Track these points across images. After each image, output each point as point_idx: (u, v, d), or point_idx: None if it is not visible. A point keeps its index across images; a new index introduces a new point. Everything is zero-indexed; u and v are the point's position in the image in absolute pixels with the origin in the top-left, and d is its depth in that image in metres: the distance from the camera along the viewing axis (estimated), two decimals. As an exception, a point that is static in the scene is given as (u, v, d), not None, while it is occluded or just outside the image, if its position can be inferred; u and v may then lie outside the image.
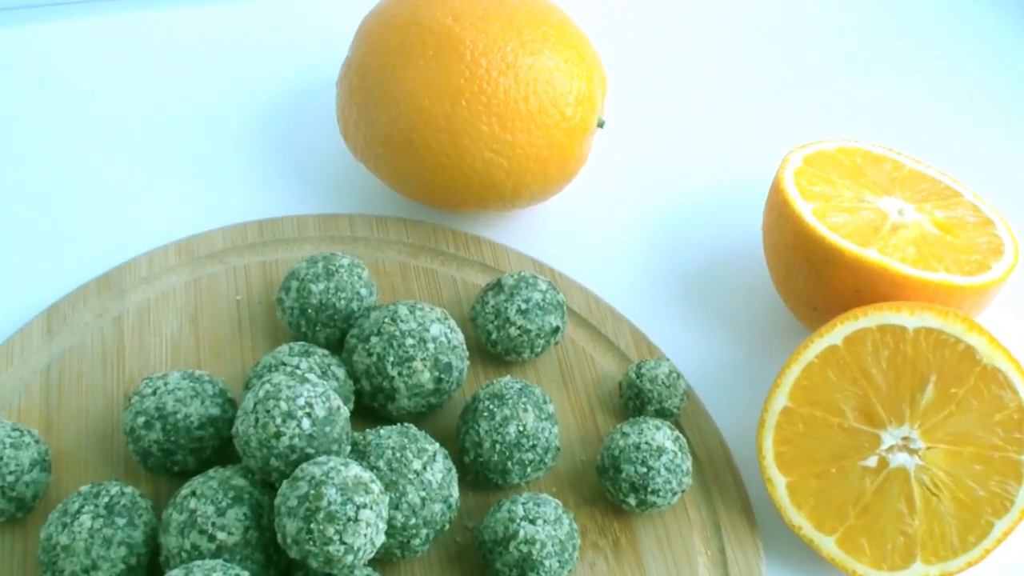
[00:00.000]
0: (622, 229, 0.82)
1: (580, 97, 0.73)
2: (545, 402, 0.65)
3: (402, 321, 0.65)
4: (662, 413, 0.68)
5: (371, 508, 0.54)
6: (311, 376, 0.59)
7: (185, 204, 0.80)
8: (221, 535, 0.56)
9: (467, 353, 0.67)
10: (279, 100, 0.88)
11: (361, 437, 0.61)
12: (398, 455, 0.59)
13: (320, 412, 0.57)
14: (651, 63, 0.95)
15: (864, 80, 0.95)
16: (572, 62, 0.73)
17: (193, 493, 0.57)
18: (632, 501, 0.63)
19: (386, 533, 0.58)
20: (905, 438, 0.62)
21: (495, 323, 0.69)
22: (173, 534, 0.57)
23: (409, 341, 0.64)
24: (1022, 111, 0.94)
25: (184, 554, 0.56)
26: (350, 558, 0.54)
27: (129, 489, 0.59)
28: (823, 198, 0.70)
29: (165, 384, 0.63)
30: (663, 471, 0.63)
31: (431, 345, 0.65)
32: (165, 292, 0.73)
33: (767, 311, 0.77)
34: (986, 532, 0.62)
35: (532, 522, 0.60)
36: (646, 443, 0.63)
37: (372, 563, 0.60)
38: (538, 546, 0.59)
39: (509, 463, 0.63)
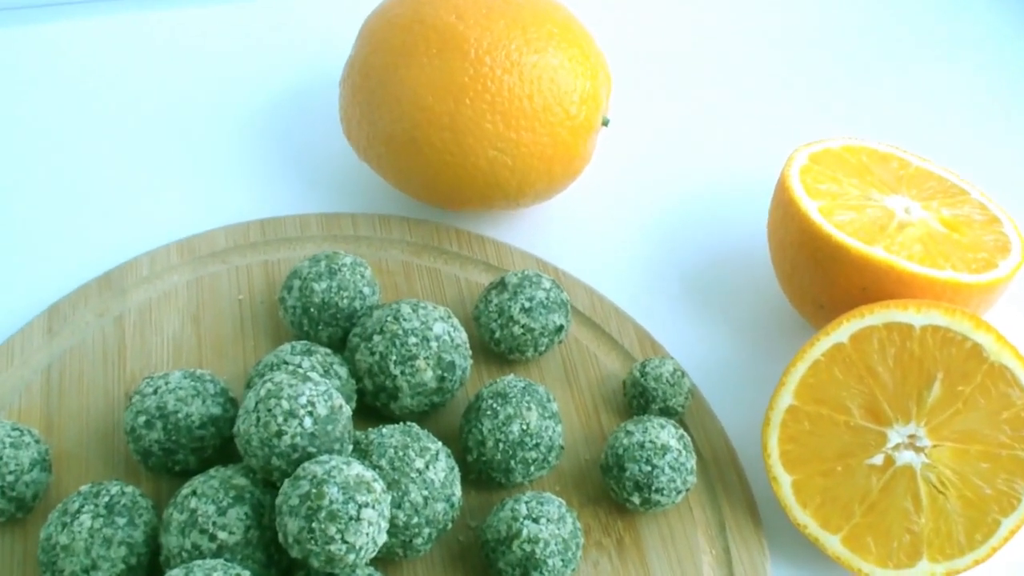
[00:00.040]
0: (626, 228, 0.81)
1: (584, 95, 0.72)
2: (549, 400, 0.65)
3: (405, 320, 0.65)
4: (666, 412, 0.67)
5: (373, 507, 0.54)
6: (313, 375, 0.59)
7: (187, 203, 0.79)
8: (222, 535, 0.56)
9: (470, 352, 0.67)
10: (281, 99, 0.88)
11: (363, 436, 0.60)
12: (400, 454, 0.59)
13: (322, 411, 0.57)
14: (655, 61, 0.94)
15: (870, 78, 0.95)
16: (576, 60, 0.72)
17: (194, 492, 0.57)
18: (636, 500, 0.63)
19: (388, 532, 0.58)
20: (911, 436, 0.62)
21: (499, 322, 0.69)
22: (174, 534, 0.56)
23: (412, 340, 0.64)
24: (1028, 109, 0.93)
25: (185, 554, 0.56)
26: (352, 557, 0.54)
27: (129, 488, 0.59)
28: (829, 196, 0.70)
29: (166, 383, 0.62)
30: (667, 470, 0.62)
31: (434, 344, 0.64)
32: (167, 291, 0.73)
33: (772, 309, 0.76)
34: (993, 530, 0.61)
35: (535, 521, 0.59)
36: (650, 441, 0.63)
37: (374, 562, 0.59)
38: (541, 545, 0.59)
39: (512, 462, 0.63)
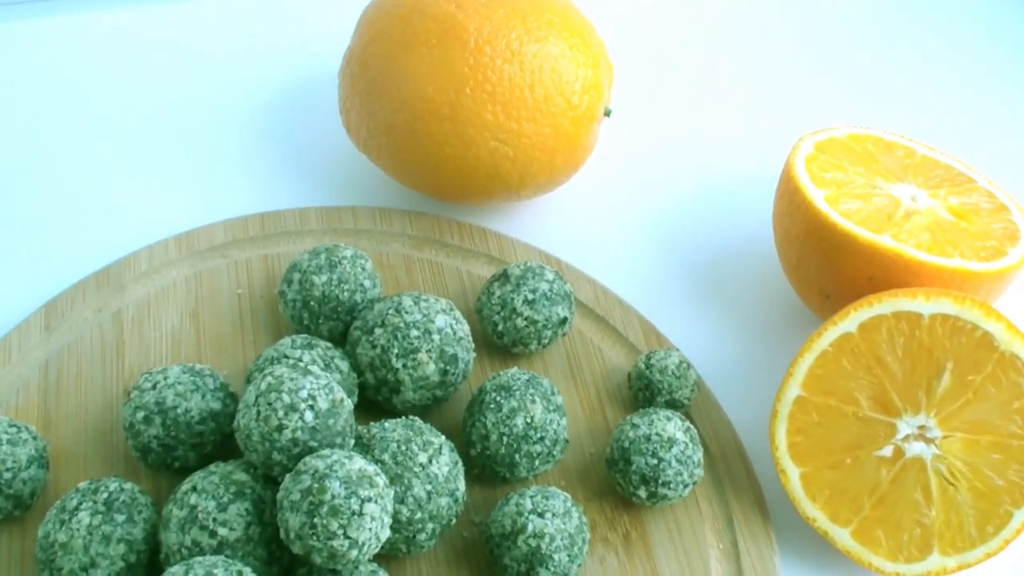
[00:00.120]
0: (630, 219, 0.81)
1: (586, 85, 0.72)
2: (553, 393, 0.64)
3: (406, 312, 0.64)
4: (672, 404, 0.67)
5: (376, 502, 0.53)
6: (314, 368, 0.58)
7: (185, 198, 0.79)
8: (222, 531, 0.55)
9: (473, 345, 0.66)
10: (280, 92, 0.87)
11: (365, 430, 0.60)
12: (403, 448, 0.58)
13: (323, 404, 0.56)
14: (657, 50, 0.94)
15: (875, 67, 0.94)
16: (578, 49, 0.72)
17: (194, 488, 0.56)
18: (643, 494, 0.62)
19: (391, 528, 0.57)
20: (921, 427, 0.61)
21: (501, 314, 0.68)
22: (173, 530, 0.56)
23: (414, 333, 0.63)
24: (1034, 98, 0.93)
25: (185, 551, 0.55)
26: (354, 553, 0.53)
27: (128, 485, 0.59)
28: (835, 185, 0.69)
29: (165, 378, 0.62)
30: (674, 463, 0.62)
31: (436, 336, 0.64)
32: (165, 287, 0.72)
33: (778, 300, 0.76)
34: (1005, 522, 0.60)
35: (541, 515, 0.59)
36: (656, 434, 0.62)
37: (377, 559, 0.59)
38: (547, 540, 0.58)
39: (517, 456, 0.62)
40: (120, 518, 0.57)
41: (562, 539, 0.58)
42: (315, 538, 0.52)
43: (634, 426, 0.63)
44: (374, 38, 0.72)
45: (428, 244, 0.76)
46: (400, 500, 0.57)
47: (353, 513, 0.52)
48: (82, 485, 0.58)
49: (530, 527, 0.58)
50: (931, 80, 0.93)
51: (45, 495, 0.62)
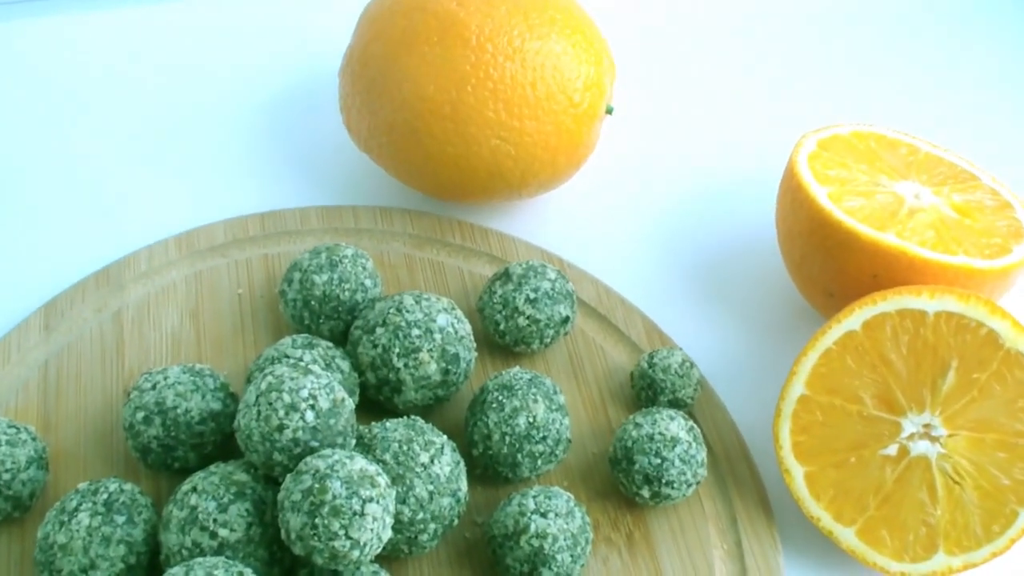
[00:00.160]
0: (632, 217, 0.80)
1: (588, 82, 0.71)
2: (556, 393, 0.64)
3: (408, 311, 0.64)
4: (675, 403, 0.66)
5: (377, 502, 0.53)
6: (315, 368, 0.58)
7: (185, 197, 0.79)
8: (223, 532, 0.55)
9: (474, 344, 0.66)
10: (281, 91, 0.87)
11: (367, 430, 0.60)
12: (405, 448, 0.58)
13: (324, 404, 0.56)
14: (659, 48, 0.94)
15: (878, 64, 0.94)
16: (580, 46, 0.71)
17: (194, 489, 0.56)
18: (646, 493, 0.62)
19: (393, 528, 0.57)
20: (926, 425, 0.61)
21: (503, 313, 0.68)
22: (173, 531, 0.55)
23: (415, 332, 0.63)
24: (1038, 95, 0.92)
25: (185, 552, 0.55)
26: (356, 554, 0.53)
27: (128, 486, 0.58)
28: (838, 182, 0.69)
29: (165, 378, 0.61)
30: (677, 462, 0.61)
31: (438, 336, 0.63)
32: (165, 286, 0.72)
33: (781, 299, 0.76)
34: (1011, 521, 0.60)
35: (543, 515, 0.58)
36: (660, 433, 0.62)
37: (378, 560, 0.58)
38: (550, 540, 0.58)
39: (519, 455, 0.62)
40: (120, 519, 0.56)
41: (565, 539, 0.58)
42: (316, 539, 0.52)
43: (637, 425, 0.63)
44: (375, 36, 0.72)
45: (429, 243, 0.76)
46: (402, 500, 0.57)
47: (355, 513, 0.52)
48: (82, 486, 0.58)
49: (533, 527, 0.58)
50: (934, 78, 0.93)
51: (44, 496, 0.62)
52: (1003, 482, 0.60)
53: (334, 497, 0.52)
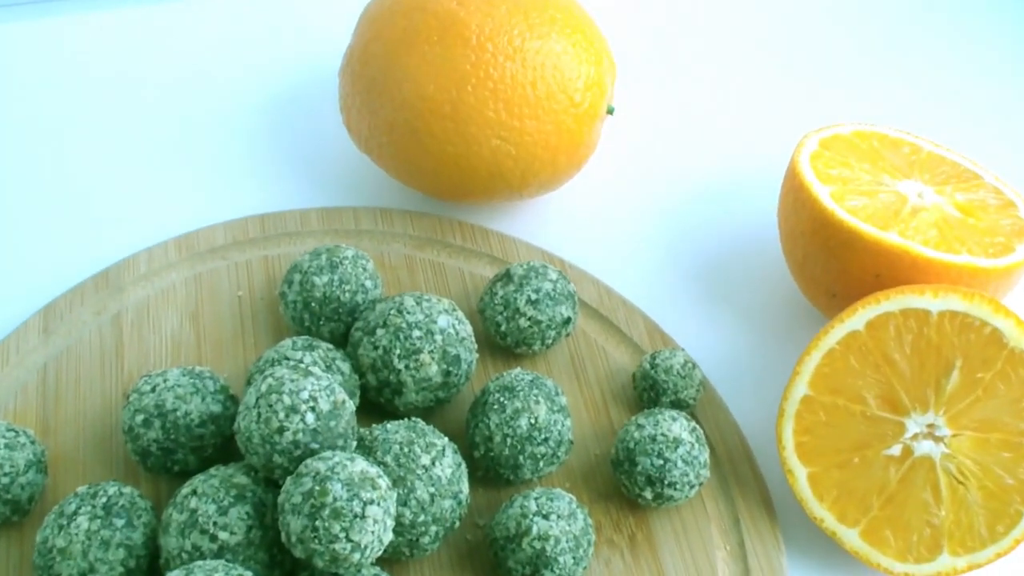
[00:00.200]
0: (633, 218, 0.80)
1: (589, 82, 0.71)
2: (557, 394, 0.63)
3: (408, 313, 0.63)
4: (678, 404, 0.66)
5: (378, 504, 0.53)
6: (315, 369, 0.57)
7: (185, 199, 0.78)
8: (223, 535, 0.55)
9: (476, 345, 0.66)
10: (281, 92, 0.87)
11: (367, 432, 0.59)
12: (406, 450, 0.58)
13: (324, 406, 0.56)
14: (660, 48, 0.93)
15: (879, 64, 0.94)
16: (580, 46, 0.71)
17: (194, 492, 0.56)
18: (648, 495, 0.62)
19: (394, 531, 0.56)
20: (930, 425, 0.60)
21: (504, 314, 0.67)
22: (173, 535, 0.55)
23: (416, 333, 0.63)
24: (1040, 94, 0.92)
25: (185, 555, 0.55)
26: (357, 556, 0.52)
27: (127, 489, 0.58)
28: (841, 181, 0.68)
29: (164, 381, 0.61)
30: (680, 463, 0.61)
31: (439, 337, 0.63)
32: (165, 289, 0.72)
33: (784, 299, 0.75)
34: (1016, 522, 0.60)
35: (545, 517, 0.58)
36: (662, 434, 0.61)
37: (380, 563, 0.58)
38: (552, 542, 0.57)
39: (521, 457, 0.62)
40: (119, 523, 0.56)
41: (567, 541, 0.58)
42: (317, 541, 0.52)
43: (639, 426, 0.62)
44: (375, 36, 0.71)
45: (430, 244, 0.75)
46: (403, 503, 0.57)
47: (355, 516, 0.52)
48: (81, 489, 0.58)
49: (535, 529, 0.58)
50: (936, 77, 0.93)
51: (43, 500, 0.62)
52: (1007, 482, 0.60)
53: (335, 499, 0.52)
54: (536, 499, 0.59)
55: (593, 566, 0.61)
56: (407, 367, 0.63)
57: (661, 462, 0.61)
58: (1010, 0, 1.00)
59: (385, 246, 0.75)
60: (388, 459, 0.57)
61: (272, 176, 0.80)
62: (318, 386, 0.56)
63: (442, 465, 0.58)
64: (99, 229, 0.76)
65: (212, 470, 0.57)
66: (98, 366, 0.68)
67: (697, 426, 0.64)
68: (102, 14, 0.92)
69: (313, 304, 0.66)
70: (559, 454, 0.63)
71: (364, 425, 0.61)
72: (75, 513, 0.56)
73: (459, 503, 0.59)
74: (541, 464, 0.63)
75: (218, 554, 0.54)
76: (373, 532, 0.52)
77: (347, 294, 0.66)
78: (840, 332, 0.62)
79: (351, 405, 0.57)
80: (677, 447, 0.61)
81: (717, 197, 0.82)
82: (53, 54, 0.88)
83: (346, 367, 0.63)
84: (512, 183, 0.72)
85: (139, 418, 0.60)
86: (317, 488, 0.52)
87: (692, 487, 0.62)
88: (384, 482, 0.54)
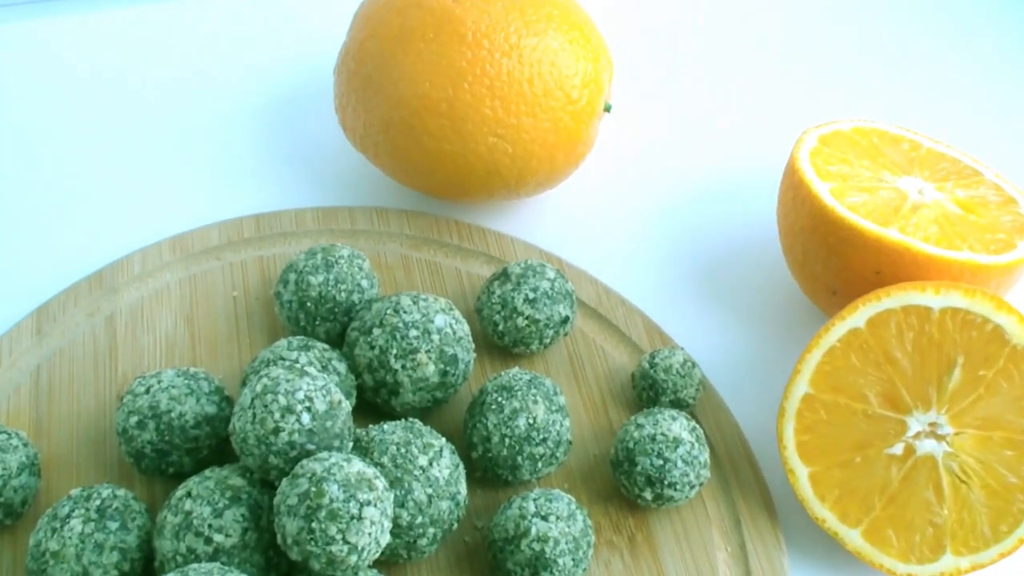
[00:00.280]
0: (631, 216, 0.80)
1: (586, 79, 0.71)
2: (556, 394, 0.63)
3: (405, 312, 0.63)
4: (677, 404, 0.66)
5: (375, 506, 0.52)
6: (310, 369, 0.57)
7: (179, 199, 0.78)
8: (218, 537, 0.54)
9: (473, 345, 0.65)
10: (275, 92, 0.86)
11: (364, 433, 0.59)
12: (403, 451, 0.57)
13: (320, 406, 0.55)
14: (657, 45, 0.93)
15: (878, 60, 0.93)
16: (577, 43, 0.71)
17: (188, 494, 0.55)
18: (648, 495, 0.61)
19: (391, 533, 0.56)
20: (932, 424, 0.60)
21: (502, 313, 0.67)
22: (168, 537, 0.55)
23: (413, 333, 0.62)
24: (1040, 91, 0.92)
25: (179, 558, 0.54)
26: (354, 558, 0.52)
27: (121, 492, 0.58)
28: (840, 178, 0.68)
29: (159, 382, 0.61)
30: (680, 463, 0.61)
31: (436, 336, 0.63)
32: (159, 290, 0.71)
33: (784, 297, 0.75)
34: (1019, 521, 0.59)
35: (544, 519, 0.57)
36: (662, 434, 0.61)
37: (377, 565, 0.58)
38: (551, 543, 0.57)
39: (519, 458, 0.61)
40: (113, 525, 0.56)
41: (566, 543, 0.57)
42: (313, 543, 0.51)
43: (639, 426, 0.62)
44: (370, 33, 0.71)
45: (426, 244, 0.75)
46: (400, 504, 0.56)
47: (352, 517, 0.51)
48: (74, 492, 0.57)
49: (533, 531, 0.57)
50: (935, 74, 0.93)
51: (37, 503, 0.61)
52: (1011, 480, 0.59)
53: (331, 501, 0.51)
54: (535, 500, 0.59)
55: (593, 568, 0.61)
56: (404, 367, 0.62)
57: (661, 462, 0.60)
58: (1009, -3, 1.00)
59: (381, 246, 0.75)
60: (385, 460, 0.57)
61: (267, 176, 0.80)
62: (314, 386, 0.55)
63: (440, 466, 0.58)
64: (93, 230, 0.75)
65: (207, 472, 0.57)
66: (92, 367, 0.67)
67: (697, 426, 0.63)
68: (95, 14, 0.91)
69: (309, 304, 0.65)
70: (558, 454, 0.63)
71: (361, 426, 0.60)
72: (68, 516, 0.56)
73: (457, 504, 0.58)
74: (540, 465, 0.62)
75: (213, 557, 0.54)
76: (370, 534, 0.52)
77: (343, 294, 0.66)
78: (841, 329, 0.61)
79: (347, 405, 0.57)
80: (677, 447, 0.61)
81: (716, 195, 0.81)
82: (46, 54, 0.88)
83: (342, 367, 0.63)
84: (509, 181, 0.71)
85: (133, 420, 0.60)
86: (313, 489, 0.51)
87: (692, 487, 0.61)
88: (381, 483, 0.53)
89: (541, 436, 0.61)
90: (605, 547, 0.62)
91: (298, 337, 0.63)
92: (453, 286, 0.73)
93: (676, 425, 0.62)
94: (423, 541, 0.57)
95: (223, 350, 0.69)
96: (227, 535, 0.54)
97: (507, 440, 0.61)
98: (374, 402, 0.64)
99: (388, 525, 0.53)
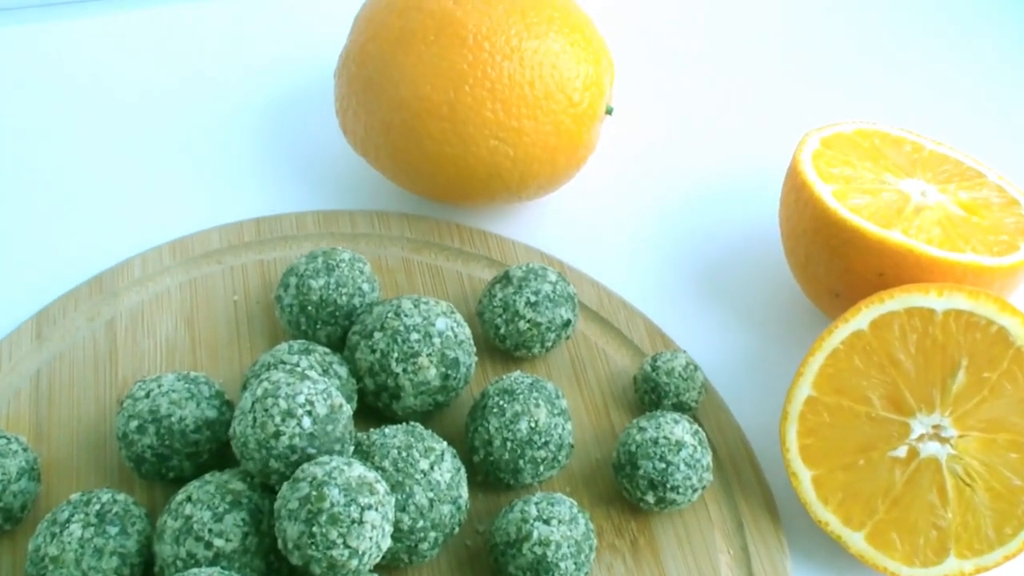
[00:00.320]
0: (633, 219, 0.79)
1: (588, 81, 0.70)
2: (558, 397, 0.63)
3: (406, 315, 0.63)
4: (679, 407, 0.65)
5: (376, 510, 0.52)
6: (311, 373, 0.57)
7: (180, 203, 0.78)
8: (218, 542, 0.54)
9: (474, 348, 0.65)
10: (276, 95, 0.86)
11: (365, 437, 0.59)
12: (404, 454, 0.57)
13: (321, 410, 0.55)
14: (659, 47, 0.93)
15: (880, 62, 0.93)
16: (578, 45, 0.70)
17: (189, 498, 0.55)
18: (650, 499, 0.61)
19: (392, 537, 0.56)
20: (936, 426, 0.60)
21: (503, 317, 0.67)
22: (168, 542, 0.54)
23: (414, 336, 0.62)
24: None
25: (180, 563, 0.54)
26: (355, 563, 0.52)
27: (121, 496, 0.57)
28: (843, 180, 0.68)
29: (159, 386, 0.60)
30: (683, 466, 0.60)
31: (437, 340, 0.62)
32: (159, 294, 0.71)
33: (786, 300, 0.75)
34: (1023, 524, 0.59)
35: (546, 522, 0.57)
36: (664, 437, 0.61)
37: (378, 570, 0.58)
38: (553, 547, 0.57)
39: (521, 461, 0.61)
40: (113, 530, 0.55)
41: (568, 546, 0.57)
42: (314, 547, 0.51)
43: (641, 429, 0.62)
44: (371, 36, 0.71)
45: (427, 247, 0.75)
46: (401, 508, 0.56)
47: (353, 521, 0.51)
48: (74, 497, 0.57)
49: (535, 534, 0.57)
50: (937, 76, 0.92)
51: (36, 508, 0.61)
52: (1015, 483, 0.59)
53: (332, 505, 0.51)
54: (537, 504, 0.58)
55: (595, 571, 0.61)
56: (405, 371, 0.62)
57: (663, 465, 0.60)
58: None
59: (382, 249, 0.74)
60: (386, 464, 0.57)
61: (268, 179, 0.80)
62: (315, 390, 0.55)
63: (441, 470, 0.57)
64: (93, 234, 0.75)
65: (207, 476, 0.57)
66: (92, 372, 0.67)
67: (699, 429, 0.63)
68: (95, 18, 0.91)
69: (309, 308, 0.65)
70: (560, 458, 0.62)
71: (362, 430, 0.60)
72: (68, 521, 0.55)
73: (458, 508, 0.58)
74: (541, 468, 0.62)
75: (213, 561, 0.54)
76: (371, 538, 0.52)
77: (344, 297, 0.65)
78: (844, 332, 0.61)
79: (348, 409, 0.57)
80: (679, 450, 0.61)
81: (718, 197, 0.81)
82: (45, 57, 0.88)
83: (343, 371, 0.62)
84: (510, 184, 0.71)
85: (133, 424, 0.59)
86: (314, 493, 0.51)
87: (695, 491, 0.61)
88: (382, 487, 0.53)
89: (543, 440, 0.61)
90: (607, 551, 0.62)
91: (299, 341, 0.63)
92: (454, 289, 0.73)
93: (678, 428, 0.61)
94: (424, 545, 0.57)
95: (223, 354, 0.68)
96: (227, 539, 0.54)
97: (509, 444, 0.61)
98: (375, 406, 0.64)
99: (389, 529, 0.53)
